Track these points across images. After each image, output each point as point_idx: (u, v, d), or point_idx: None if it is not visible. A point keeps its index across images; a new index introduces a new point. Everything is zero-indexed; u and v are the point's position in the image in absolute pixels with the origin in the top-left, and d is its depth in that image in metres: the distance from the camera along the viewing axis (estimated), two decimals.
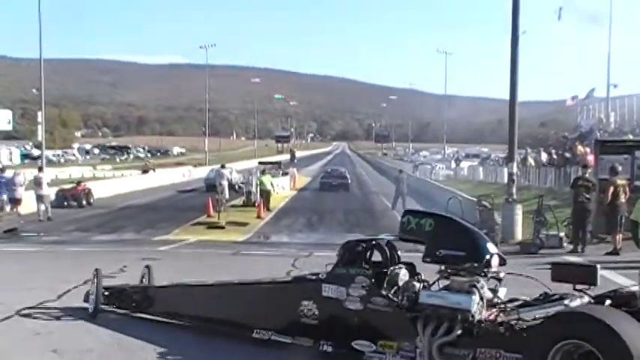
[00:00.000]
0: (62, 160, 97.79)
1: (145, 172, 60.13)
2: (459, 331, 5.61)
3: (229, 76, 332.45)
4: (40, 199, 25.45)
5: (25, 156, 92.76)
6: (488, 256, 5.89)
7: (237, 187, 36.98)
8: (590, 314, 4.88)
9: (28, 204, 25.66)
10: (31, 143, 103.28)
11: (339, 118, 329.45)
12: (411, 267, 6.76)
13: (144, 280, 9.13)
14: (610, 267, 12.44)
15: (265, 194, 29.82)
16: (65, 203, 30.21)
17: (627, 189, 14.81)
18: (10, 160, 79.66)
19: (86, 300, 8.89)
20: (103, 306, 8.70)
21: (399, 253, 7.00)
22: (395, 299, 6.27)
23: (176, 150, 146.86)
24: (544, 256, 14.74)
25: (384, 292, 6.33)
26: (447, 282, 6.15)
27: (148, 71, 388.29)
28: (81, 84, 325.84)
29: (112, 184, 43.89)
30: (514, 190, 18.47)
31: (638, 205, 9.68)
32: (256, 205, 29.07)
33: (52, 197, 27.96)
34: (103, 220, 25.94)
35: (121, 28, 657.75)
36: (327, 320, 6.64)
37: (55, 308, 9.11)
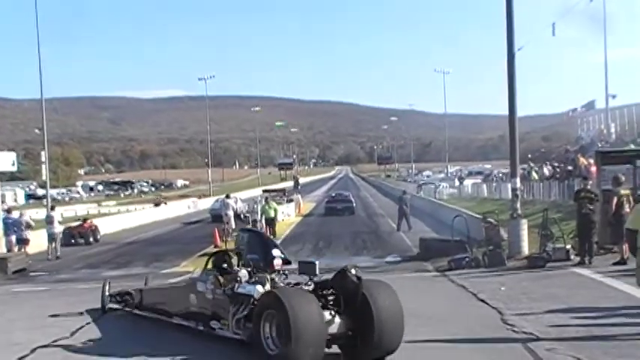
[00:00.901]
0: (67, 198, 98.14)
1: (157, 205, 62.41)
2: (246, 311, 8.18)
3: (229, 106, 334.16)
4: (51, 237, 25.59)
5: (29, 196, 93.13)
6: (271, 259, 8.67)
7: (242, 216, 37.04)
8: (274, 292, 7.84)
9: (35, 243, 25.77)
10: (35, 183, 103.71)
11: (341, 142, 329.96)
12: (254, 269, 8.88)
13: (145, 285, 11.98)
14: (617, 276, 12.52)
15: (270, 222, 29.86)
16: (72, 241, 30.27)
17: (631, 199, 14.85)
18: (15, 200, 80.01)
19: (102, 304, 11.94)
20: (111, 305, 11.87)
21: (248, 259, 9.12)
22: (224, 290, 8.82)
23: (180, 182, 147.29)
24: (551, 270, 14.77)
25: (221, 287, 8.90)
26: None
27: (148, 105, 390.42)
28: (82, 121, 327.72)
29: (118, 219, 43.99)
30: (518, 205, 18.49)
31: (636, 214, 9.83)
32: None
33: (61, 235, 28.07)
34: (110, 256, 25.99)
35: (119, 64, 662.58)
36: (200, 307, 9.31)
37: (70, 345, 9.19)
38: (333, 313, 7.74)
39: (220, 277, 9.06)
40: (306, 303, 7.36)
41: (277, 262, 8.69)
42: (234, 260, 9.50)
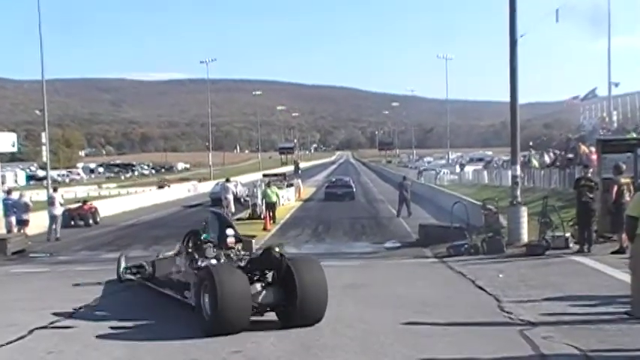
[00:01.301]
0: (67, 180, 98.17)
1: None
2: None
3: (231, 90, 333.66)
4: (53, 218, 25.59)
5: (30, 177, 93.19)
6: (225, 237, 10.10)
7: (242, 200, 37.04)
8: (207, 266, 9.40)
9: (35, 224, 25.80)
10: (35, 164, 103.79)
11: (342, 127, 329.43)
12: (220, 246, 10.17)
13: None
14: (616, 265, 12.52)
15: (271, 206, 29.86)
16: (72, 223, 30.26)
17: (632, 187, 14.82)
18: (16, 182, 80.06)
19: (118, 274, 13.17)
20: (128, 276, 12.97)
21: (209, 238, 10.43)
22: (190, 264, 10.29)
23: (180, 165, 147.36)
24: (550, 257, 14.79)
25: (192, 262, 10.26)
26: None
27: (149, 88, 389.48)
28: (83, 103, 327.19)
29: (118, 202, 44.02)
30: (518, 193, 18.48)
31: (637, 201, 9.90)
32: (262, 217, 29.13)
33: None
34: (110, 239, 26.03)
35: (121, 47, 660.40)
36: (177, 278, 10.69)
37: (67, 327, 9.22)
38: (262, 285, 9.05)
39: (195, 253, 10.41)
40: (232, 276, 8.63)
41: (230, 240, 10.18)
42: (200, 238, 10.69)
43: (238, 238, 10.39)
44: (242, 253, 10.21)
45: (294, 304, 8.77)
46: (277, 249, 9.28)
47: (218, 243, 10.23)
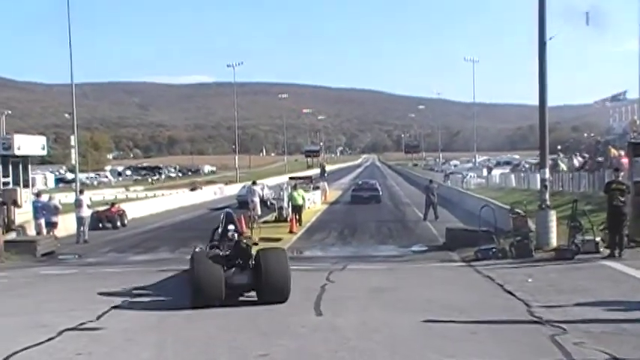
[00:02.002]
0: (95, 183, 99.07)
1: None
2: None
3: (257, 93, 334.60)
4: (80, 220, 25.81)
5: (59, 180, 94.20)
6: (226, 231, 12.19)
7: (269, 203, 37.08)
8: (193, 254, 12.11)
9: (64, 227, 26.07)
10: (64, 167, 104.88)
11: (368, 130, 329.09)
12: (223, 239, 12.38)
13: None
14: None
15: (297, 209, 29.87)
16: (100, 225, 30.49)
17: None
18: (45, 184, 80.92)
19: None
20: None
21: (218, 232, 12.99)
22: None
23: (207, 168, 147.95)
24: (580, 262, 14.60)
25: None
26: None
27: (176, 91, 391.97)
28: (111, 106, 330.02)
29: (145, 204, 44.29)
30: (547, 197, 18.29)
31: None
32: (289, 220, 29.12)
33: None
34: (137, 241, 26.18)
35: (149, 50, 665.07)
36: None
37: (96, 329, 9.28)
38: (236, 270, 11.31)
39: (210, 245, 12.89)
40: (207, 263, 11.01)
41: (230, 234, 12.19)
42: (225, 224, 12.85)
43: (239, 232, 12.67)
44: (243, 243, 11.99)
45: (260, 285, 11.04)
46: (245, 241, 12.18)
47: (221, 236, 12.43)
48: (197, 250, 13.33)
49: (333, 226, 29.37)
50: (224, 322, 9.74)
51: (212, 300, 10.58)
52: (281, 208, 32.02)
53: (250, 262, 11.47)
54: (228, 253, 11.64)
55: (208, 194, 57.59)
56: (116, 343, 8.52)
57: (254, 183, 36.52)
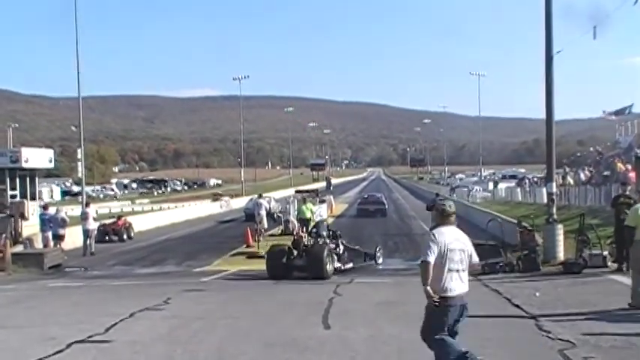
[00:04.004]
0: (101, 196, 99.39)
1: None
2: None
3: (263, 107, 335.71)
4: (86, 233, 25.90)
5: (65, 193, 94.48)
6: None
7: (275, 215, 37.10)
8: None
9: (71, 240, 26.13)
10: (70, 180, 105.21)
11: (374, 143, 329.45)
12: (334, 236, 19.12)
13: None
14: None
15: (305, 222, 29.84)
16: (106, 238, 30.61)
17: None
18: (51, 197, 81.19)
19: None
20: None
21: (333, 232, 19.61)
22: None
23: (212, 181, 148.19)
24: (588, 276, 14.55)
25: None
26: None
27: (182, 105, 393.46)
28: (117, 120, 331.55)
29: (151, 217, 44.37)
30: (554, 210, 18.27)
31: (634, 212, 10.66)
32: (295, 233, 29.06)
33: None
34: (144, 254, 26.22)
35: (155, 64, 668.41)
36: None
37: (104, 341, 9.28)
38: (296, 256, 17.58)
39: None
40: (277, 250, 18.04)
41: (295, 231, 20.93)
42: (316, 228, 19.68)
43: (297, 233, 19.88)
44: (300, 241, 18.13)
45: (309, 267, 17.09)
46: (306, 238, 18.36)
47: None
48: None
49: None
50: (232, 334, 9.74)
51: (279, 274, 16.95)
52: (287, 221, 32.03)
53: (303, 252, 17.44)
54: (292, 244, 18.05)
55: (214, 207, 57.69)
56: (125, 355, 8.52)
57: (260, 196, 36.57)
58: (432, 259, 6.36)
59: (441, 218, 6.72)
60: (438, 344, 6.46)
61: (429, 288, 6.36)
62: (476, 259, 6.88)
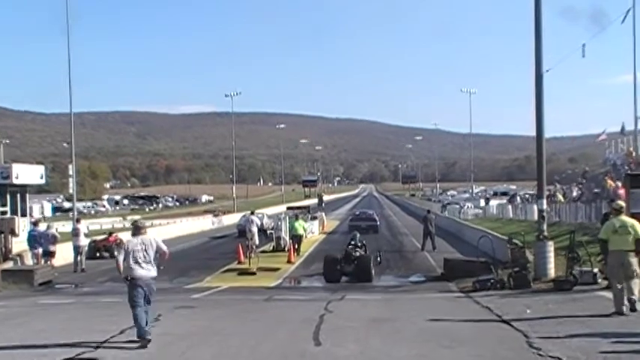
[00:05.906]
0: (92, 212, 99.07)
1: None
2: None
3: (255, 123, 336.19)
4: (77, 249, 25.77)
5: (56, 209, 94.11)
6: (348, 247, 22.76)
7: (267, 232, 37.12)
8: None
9: (61, 256, 26.00)
10: (62, 196, 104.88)
11: (366, 160, 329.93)
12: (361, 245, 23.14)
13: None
14: None
15: (297, 239, 29.89)
16: (97, 254, 30.46)
17: None
18: (42, 213, 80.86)
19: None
20: None
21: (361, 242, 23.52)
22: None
23: (204, 198, 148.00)
24: (578, 293, 14.60)
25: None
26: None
27: (174, 121, 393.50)
28: (109, 135, 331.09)
29: None
30: (545, 227, 18.34)
31: (606, 227, 11.31)
32: (287, 249, 29.12)
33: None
34: None
35: (147, 80, 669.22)
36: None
37: (95, 359, 9.25)
38: (345, 264, 20.93)
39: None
40: (331, 259, 21.60)
41: (349, 248, 22.16)
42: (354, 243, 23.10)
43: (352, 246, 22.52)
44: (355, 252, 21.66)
45: (356, 273, 20.62)
46: (356, 252, 21.65)
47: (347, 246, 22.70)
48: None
49: None
50: (223, 350, 9.71)
51: (334, 279, 20.58)
52: (279, 238, 32.02)
53: (354, 261, 20.86)
54: (343, 255, 21.37)
55: (207, 223, 57.61)
56: None
57: (252, 213, 36.56)
58: None
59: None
60: None
61: None
62: None
